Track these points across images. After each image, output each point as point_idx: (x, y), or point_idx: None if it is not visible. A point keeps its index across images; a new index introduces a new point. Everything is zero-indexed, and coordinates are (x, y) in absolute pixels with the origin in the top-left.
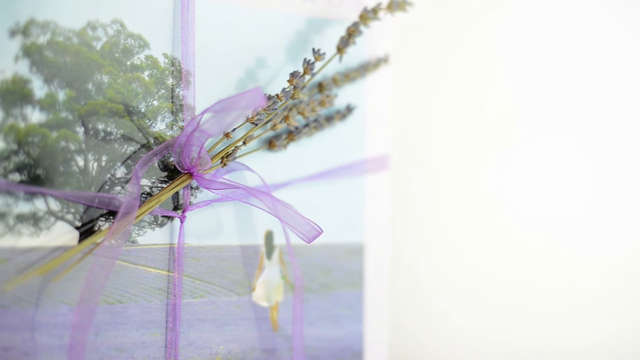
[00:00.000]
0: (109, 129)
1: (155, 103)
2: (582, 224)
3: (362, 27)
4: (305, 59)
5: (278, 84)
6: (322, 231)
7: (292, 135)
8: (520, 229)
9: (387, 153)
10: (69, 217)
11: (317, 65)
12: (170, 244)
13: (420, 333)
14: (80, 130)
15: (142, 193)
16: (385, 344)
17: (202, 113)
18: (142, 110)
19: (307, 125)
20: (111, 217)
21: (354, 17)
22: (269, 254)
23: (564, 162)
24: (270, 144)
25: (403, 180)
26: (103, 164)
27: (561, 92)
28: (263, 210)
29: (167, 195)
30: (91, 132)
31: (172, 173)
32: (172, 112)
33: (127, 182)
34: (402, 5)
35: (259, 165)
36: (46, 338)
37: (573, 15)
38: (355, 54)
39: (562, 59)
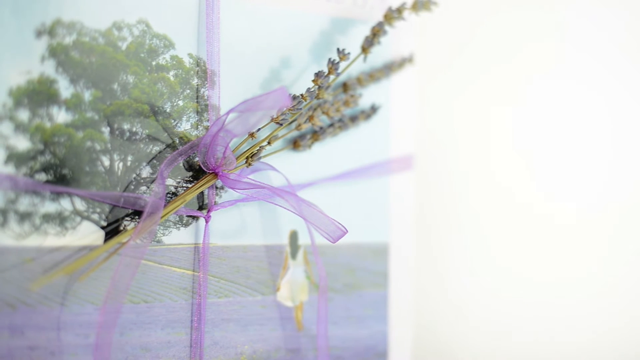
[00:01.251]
0: (134, 129)
1: (181, 103)
2: (610, 222)
3: (386, 27)
4: (329, 59)
5: (302, 84)
6: (347, 231)
7: (316, 135)
8: (546, 228)
9: (411, 153)
10: (95, 216)
11: (342, 65)
12: (195, 244)
13: (445, 333)
14: (106, 130)
15: (168, 193)
16: (410, 344)
17: (227, 113)
18: (168, 110)
19: (331, 125)
20: (137, 217)
21: (379, 16)
22: (294, 254)
23: (591, 161)
24: (295, 143)
25: (427, 180)
26: (128, 163)
27: (589, 91)
28: (288, 210)
29: (192, 195)
30: (117, 132)
31: (197, 173)
32: (197, 112)
33: (152, 182)
34: (426, 4)
35: (283, 165)
36: (72, 337)
37: (601, 18)
38: (379, 54)
39: (589, 59)
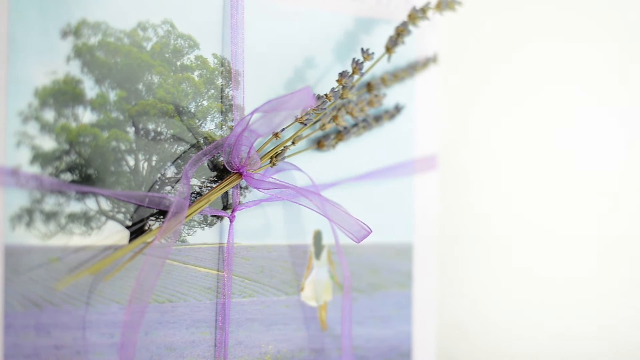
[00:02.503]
0: (159, 129)
1: (205, 103)
2: (633, 224)
3: (410, 27)
4: (354, 59)
5: (326, 84)
6: (371, 231)
7: (340, 135)
8: (571, 229)
9: (435, 153)
10: (120, 216)
11: (366, 65)
12: (219, 244)
13: (469, 333)
14: (131, 130)
15: (192, 193)
16: (434, 344)
17: (252, 113)
18: (192, 110)
19: (355, 125)
20: (161, 217)
21: (403, 16)
22: (318, 254)
23: (616, 163)
24: (319, 143)
25: (452, 180)
26: (153, 163)
27: (615, 91)
28: (312, 210)
29: (217, 195)
30: (142, 132)
31: (221, 173)
32: (222, 112)
33: (177, 181)
34: (451, 4)
35: (307, 165)
36: (97, 336)
37: (630, 17)
38: (403, 54)
39: (617, 58)
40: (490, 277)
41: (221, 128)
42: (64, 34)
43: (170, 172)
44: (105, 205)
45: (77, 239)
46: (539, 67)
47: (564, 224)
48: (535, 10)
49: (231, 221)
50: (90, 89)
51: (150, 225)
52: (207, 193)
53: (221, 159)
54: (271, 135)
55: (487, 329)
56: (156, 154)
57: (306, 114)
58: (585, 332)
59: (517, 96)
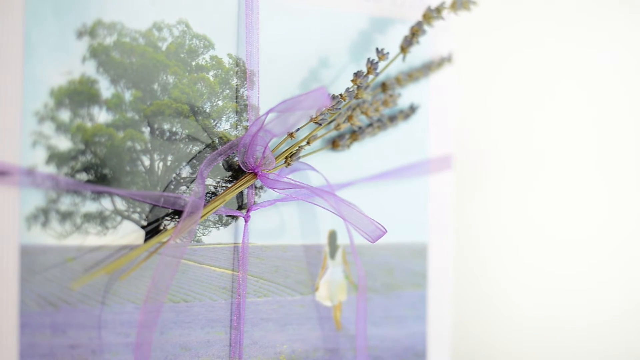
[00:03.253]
0: (174, 129)
1: (220, 103)
2: None
3: (425, 27)
4: (368, 59)
5: (341, 84)
6: (386, 231)
7: (355, 135)
8: (587, 229)
9: (450, 153)
10: (135, 216)
11: (381, 64)
12: (234, 244)
13: (484, 334)
14: (146, 130)
15: (207, 192)
16: (448, 344)
17: (267, 113)
18: (207, 110)
19: (370, 125)
20: (177, 217)
21: (418, 16)
22: (333, 254)
23: (631, 161)
24: (334, 143)
25: (466, 180)
26: (168, 163)
27: (633, 91)
28: (327, 210)
29: (232, 195)
30: (157, 132)
31: (236, 173)
32: (237, 112)
33: (192, 181)
34: (465, 4)
35: (322, 165)
36: (112, 336)
37: None
38: (418, 54)
39: (635, 57)
40: (504, 277)
41: (236, 128)
42: (80, 34)
43: (186, 172)
44: (121, 205)
45: (92, 238)
46: (554, 66)
47: (579, 224)
48: (550, 9)
49: (246, 221)
50: (105, 89)
51: (165, 225)
52: (222, 193)
53: (236, 159)
54: (286, 135)
55: (502, 329)
56: (171, 154)
57: (321, 114)
58: (603, 333)
59: (532, 96)
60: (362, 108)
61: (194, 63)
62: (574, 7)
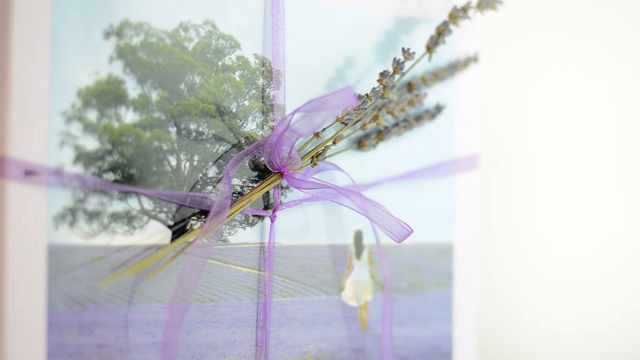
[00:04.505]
0: (200, 129)
1: (246, 103)
2: None
3: (451, 26)
4: (394, 59)
5: (367, 84)
6: (413, 231)
7: (381, 134)
8: (615, 229)
9: (476, 153)
10: (162, 216)
11: (407, 64)
12: (260, 243)
13: (510, 334)
14: (173, 130)
15: (233, 192)
16: (474, 344)
17: (293, 113)
18: (233, 110)
19: (396, 124)
20: (203, 216)
21: (443, 16)
22: (358, 254)
23: None
24: (360, 143)
25: (492, 180)
26: (195, 163)
27: None
28: (353, 210)
29: (258, 195)
30: (183, 132)
31: (262, 173)
32: (263, 112)
33: (218, 181)
34: (492, 3)
35: (348, 165)
36: (139, 335)
37: None
38: (444, 53)
39: None
40: (530, 277)
41: (262, 128)
42: (107, 35)
43: (212, 172)
44: (148, 204)
45: (119, 238)
46: (581, 65)
47: (606, 224)
48: (578, 9)
49: (272, 221)
50: (132, 89)
51: (192, 225)
52: (248, 193)
53: (262, 158)
54: (312, 135)
55: (528, 330)
56: (198, 154)
57: (347, 114)
58: (631, 337)
59: (559, 95)
60: (388, 108)
61: (220, 63)
62: (602, 7)
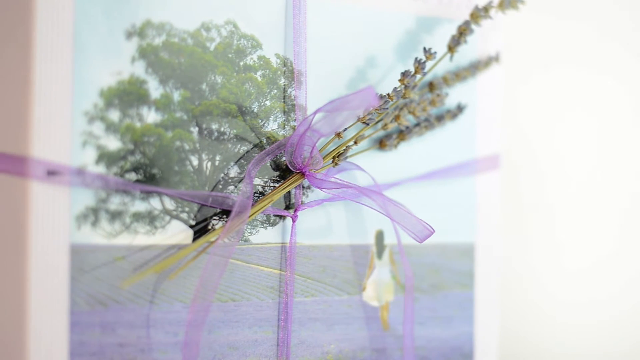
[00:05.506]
0: (222, 129)
1: (268, 103)
2: None
3: (473, 26)
4: (416, 58)
5: (388, 84)
6: (434, 231)
7: (402, 134)
8: (636, 230)
9: (498, 153)
10: (184, 215)
11: (428, 64)
12: (282, 243)
13: (532, 335)
14: (195, 130)
15: (255, 192)
16: (496, 345)
17: (314, 113)
18: (255, 110)
19: (417, 124)
20: (225, 216)
21: (465, 15)
22: (380, 254)
23: None
24: (381, 143)
25: (514, 180)
26: (217, 163)
27: None
28: (374, 209)
29: (280, 195)
30: (205, 132)
31: (284, 172)
32: (284, 112)
33: (240, 181)
34: (514, 3)
35: (369, 165)
36: (161, 335)
37: None
38: (466, 53)
39: None
40: (552, 277)
41: (284, 128)
42: (129, 35)
43: (234, 171)
44: (169, 204)
45: (141, 238)
46: (603, 65)
47: (632, 223)
48: (599, 9)
49: (294, 221)
50: (154, 89)
51: (213, 225)
52: (269, 193)
53: (284, 158)
54: (333, 135)
55: (550, 330)
56: (219, 154)
57: (368, 114)
58: None
59: (580, 94)
60: (409, 108)
61: (241, 63)
62: (624, 6)
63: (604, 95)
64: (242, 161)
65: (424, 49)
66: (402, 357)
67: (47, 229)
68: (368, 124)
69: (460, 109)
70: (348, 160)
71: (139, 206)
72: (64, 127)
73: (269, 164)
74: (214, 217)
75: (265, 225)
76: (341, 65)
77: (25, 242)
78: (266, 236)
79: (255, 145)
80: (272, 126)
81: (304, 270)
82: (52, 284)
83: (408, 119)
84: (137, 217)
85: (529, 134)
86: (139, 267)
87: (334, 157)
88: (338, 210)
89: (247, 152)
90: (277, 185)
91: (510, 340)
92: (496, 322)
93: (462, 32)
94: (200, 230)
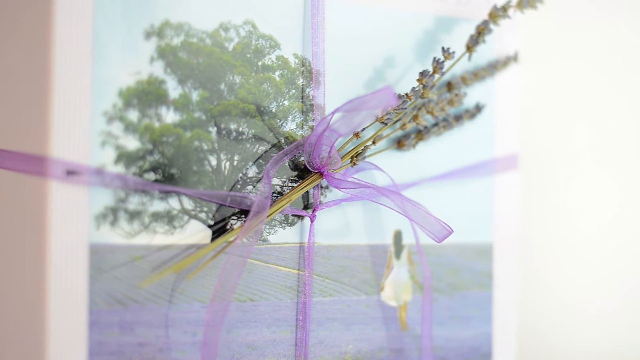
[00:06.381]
0: (240, 129)
1: (286, 103)
2: None
3: (491, 26)
4: (434, 58)
5: (406, 84)
6: (453, 231)
7: (421, 134)
8: None
9: (516, 152)
10: (202, 215)
11: (447, 64)
12: (300, 243)
13: (550, 335)
14: (213, 130)
15: (273, 192)
16: (514, 345)
17: (333, 113)
18: (273, 110)
19: (436, 124)
20: (243, 216)
21: (483, 15)
22: (398, 254)
23: None
24: (399, 143)
25: (533, 180)
26: (235, 163)
27: None
28: (392, 209)
29: (298, 195)
30: (223, 132)
31: (302, 172)
32: (303, 112)
33: (258, 181)
34: (532, 2)
35: (387, 165)
36: (180, 334)
37: None
38: (484, 53)
39: None
40: (571, 278)
41: (302, 128)
42: (148, 35)
43: (252, 171)
44: (188, 204)
45: (160, 237)
46: (621, 64)
47: None
48: (620, 9)
49: (312, 221)
50: (173, 89)
51: (232, 225)
52: (288, 193)
53: (302, 158)
54: (352, 135)
55: (568, 331)
56: (238, 154)
57: (387, 114)
58: None
59: (599, 94)
60: (427, 107)
61: (260, 63)
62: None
63: (624, 95)
64: (261, 161)
65: (443, 48)
66: (420, 358)
67: (67, 228)
68: (386, 124)
69: (478, 108)
70: (366, 160)
71: (158, 206)
72: (83, 127)
73: (287, 164)
74: (233, 217)
75: (283, 225)
76: (359, 65)
77: (45, 241)
78: (284, 236)
79: (274, 145)
80: (290, 126)
81: (322, 270)
82: (72, 283)
83: (426, 119)
84: (156, 216)
85: (548, 134)
86: (157, 266)
87: (352, 157)
88: (356, 210)
89: (266, 152)
90: (295, 185)
91: (528, 340)
92: (514, 322)
93: (481, 32)
94: (219, 230)
